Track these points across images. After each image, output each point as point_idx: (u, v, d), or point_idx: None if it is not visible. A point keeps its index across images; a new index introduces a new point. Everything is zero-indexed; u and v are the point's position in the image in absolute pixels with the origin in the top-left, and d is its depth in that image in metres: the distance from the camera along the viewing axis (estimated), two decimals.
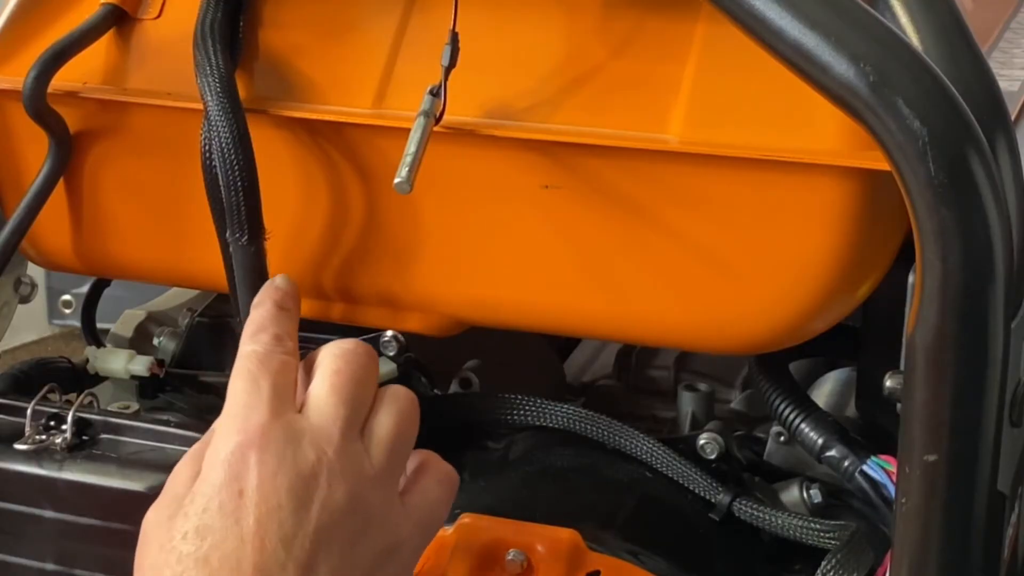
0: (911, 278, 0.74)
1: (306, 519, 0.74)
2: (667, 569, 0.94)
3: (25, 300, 1.11)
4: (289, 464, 0.74)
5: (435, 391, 1.10)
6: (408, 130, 0.85)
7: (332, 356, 0.80)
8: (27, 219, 0.97)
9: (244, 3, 0.95)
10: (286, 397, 0.77)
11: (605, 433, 1.02)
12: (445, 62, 0.86)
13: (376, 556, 0.76)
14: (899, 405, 0.73)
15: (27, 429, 0.94)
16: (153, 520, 0.76)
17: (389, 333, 1.03)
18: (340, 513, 0.75)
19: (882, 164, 0.71)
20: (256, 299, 0.83)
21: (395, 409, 0.80)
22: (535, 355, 1.26)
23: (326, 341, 1.04)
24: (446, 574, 0.90)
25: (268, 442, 0.75)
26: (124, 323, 1.23)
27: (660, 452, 1.00)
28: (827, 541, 0.94)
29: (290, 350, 0.80)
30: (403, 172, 0.84)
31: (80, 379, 1.08)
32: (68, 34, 0.95)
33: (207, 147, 0.89)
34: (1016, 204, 0.74)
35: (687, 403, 1.11)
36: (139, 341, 1.21)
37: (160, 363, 1.07)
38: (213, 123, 0.88)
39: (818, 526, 0.95)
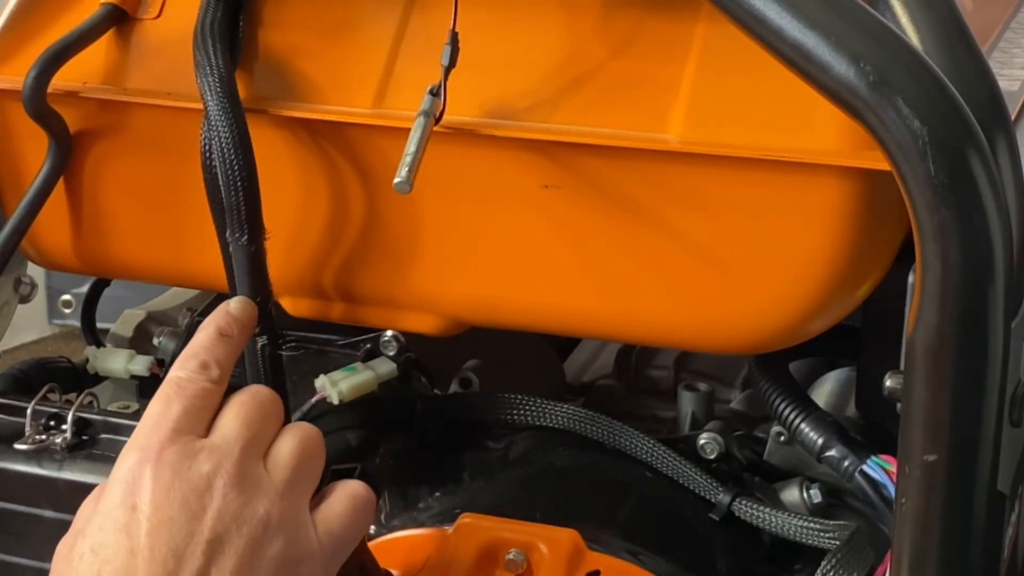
0: (911, 278, 0.74)
1: (198, 529, 0.74)
2: (667, 569, 0.94)
3: (25, 300, 1.11)
4: (183, 477, 0.75)
5: (435, 391, 1.10)
6: (408, 130, 0.85)
7: (242, 391, 0.81)
8: (27, 219, 0.97)
9: (244, 3, 0.95)
10: (196, 421, 0.78)
11: (605, 433, 1.02)
12: (445, 62, 0.86)
13: (279, 566, 0.76)
14: (899, 405, 0.73)
15: (27, 429, 0.94)
16: (57, 554, 0.77)
17: (389, 333, 1.03)
18: (236, 522, 0.75)
19: (882, 164, 0.71)
20: (204, 321, 0.83)
21: (298, 436, 0.80)
22: (535, 355, 1.26)
23: (326, 341, 1.05)
24: (446, 574, 0.90)
25: (164, 457, 0.75)
26: (124, 323, 1.23)
27: (660, 452, 1.00)
28: (827, 541, 0.94)
29: (215, 378, 0.80)
30: (403, 172, 0.84)
31: (80, 379, 1.08)
32: (68, 34, 0.95)
33: (207, 147, 0.89)
34: (1016, 204, 0.74)
35: (687, 403, 1.11)
36: (139, 341, 1.21)
37: (160, 363, 1.07)
38: (213, 123, 0.88)
39: (818, 526, 0.95)
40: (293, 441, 0.80)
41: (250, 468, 0.77)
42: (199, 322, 1.17)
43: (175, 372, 0.80)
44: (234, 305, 0.85)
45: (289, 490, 0.78)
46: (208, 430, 0.78)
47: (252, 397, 0.81)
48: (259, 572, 0.75)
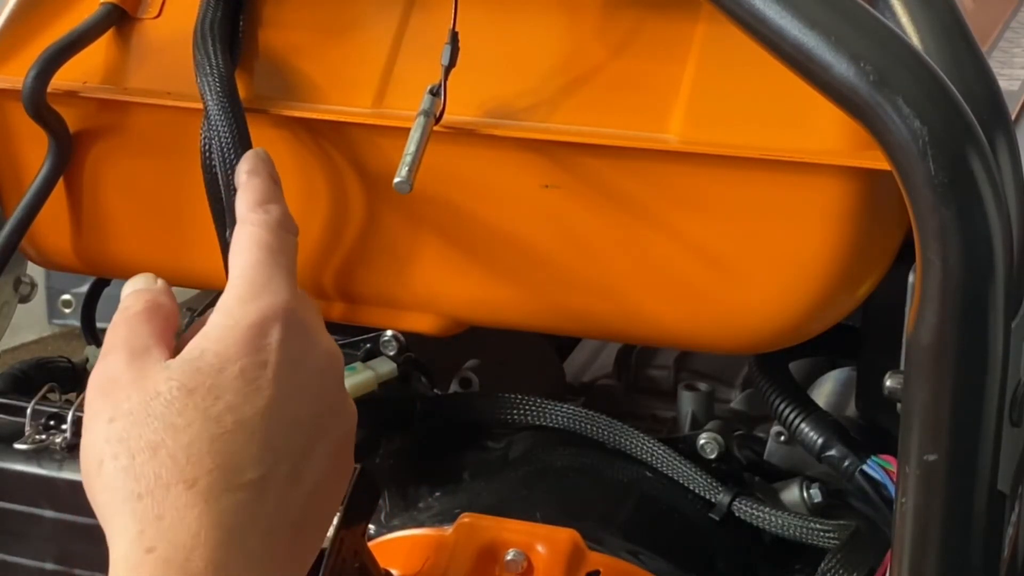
0: (911, 278, 0.74)
1: (321, 409, 0.72)
2: (667, 569, 0.94)
3: (25, 300, 1.11)
4: (311, 351, 0.73)
5: (435, 391, 1.10)
6: (408, 130, 0.85)
7: None
8: (27, 219, 0.97)
9: (244, 3, 0.95)
10: (295, 282, 0.75)
11: (605, 433, 1.02)
12: (445, 62, 0.86)
13: (348, 453, 0.75)
14: (899, 405, 0.73)
15: (27, 429, 0.94)
16: (122, 374, 0.71)
17: (389, 333, 1.03)
18: (340, 414, 0.74)
19: (882, 164, 0.71)
20: (247, 166, 0.80)
21: None
22: (535, 355, 1.26)
23: None
24: (446, 574, 0.90)
25: (293, 322, 0.72)
26: None
27: (660, 452, 1.00)
28: (827, 541, 0.94)
29: (295, 231, 0.77)
30: (403, 172, 0.84)
31: (80, 379, 1.08)
32: (68, 33, 0.95)
33: (207, 147, 0.89)
34: (1016, 204, 0.74)
35: (687, 403, 1.11)
36: None
37: None
38: (213, 123, 0.88)
39: (818, 526, 0.95)
40: None
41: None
42: (199, 322, 1.18)
43: (261, 215, 0.76)
44: (264, 152, 0.81)
45: None
46: None
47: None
48: (346, 454, 0.75)
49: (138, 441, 0.69)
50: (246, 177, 0.80)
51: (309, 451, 0.72)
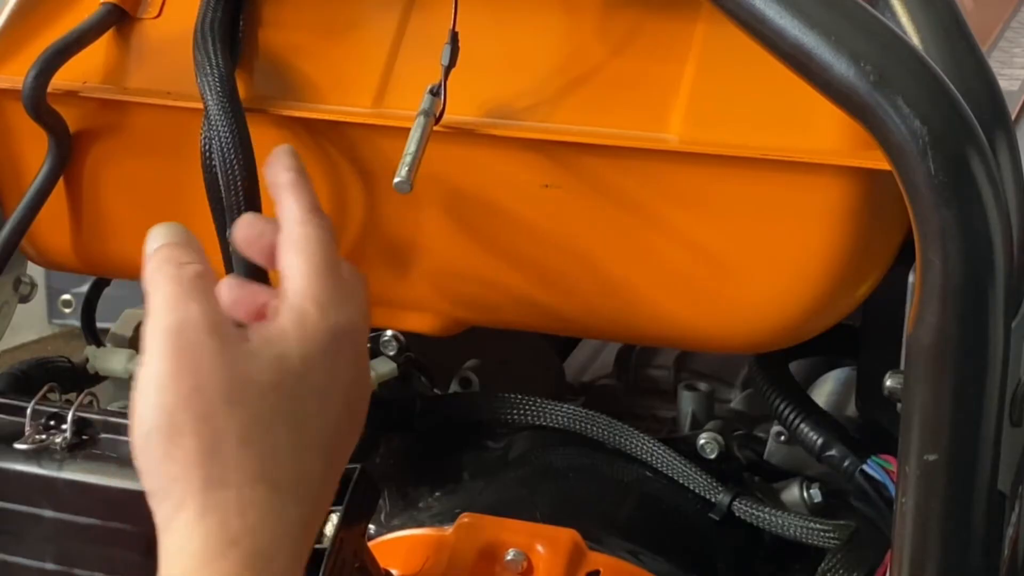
0: (911, 278, 0.74)
1: (352, 431, 0.74)
2: (667, 569, 0.94)
3: (25, 300, 1.11)
4: (364, 375, 0.75)
5: (435, 391, 1.10)
6: (408, 130, 0.85)
7: None
8: (27, 218, 0.97)
9: (244, 3, 0.95)
10: None
11: (605, 433, 1.02)
12: (445, 61, 0.86)
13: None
14: (899, 405, 0.73)
15: (27, 429, 0.94)
16: (206, 343, 0.71)
17: (389, 333, 1.03)
18: (357, 436, 0.75)
19: (882, 164, 0.71)
20: (291, 162, 0.79)
21: None
22: (535, 355, 1.26)
23: None
24: (446, 574, 0.90)
25: (361, 343, 0.74)
26: (124, 323, 1.23)
27: (660, 452, 1.00)
28: (827, 541, 0.94)
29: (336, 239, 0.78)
30: (403, 172, 0.84)
31: (80, 379, 1.07)
32: (68, 33, 0.95)
33: (207, 147, 0.89)
34: (1016, 204, 0.74)
35: (687, 403, 1.11)
36: (139, 340, 1.21)
37: None
38: (213, 123, 0.88)
39: (818, 526, 0.95)
40: None
41: None
42: None
43: (321, 220, 0.76)
44: (291, 149, 0.81)
45: None
46: None
47: None
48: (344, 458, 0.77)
49: (226, 425, 0.69)
50: (295, 175, 0.78)
51: (339, 470, 0.74)
